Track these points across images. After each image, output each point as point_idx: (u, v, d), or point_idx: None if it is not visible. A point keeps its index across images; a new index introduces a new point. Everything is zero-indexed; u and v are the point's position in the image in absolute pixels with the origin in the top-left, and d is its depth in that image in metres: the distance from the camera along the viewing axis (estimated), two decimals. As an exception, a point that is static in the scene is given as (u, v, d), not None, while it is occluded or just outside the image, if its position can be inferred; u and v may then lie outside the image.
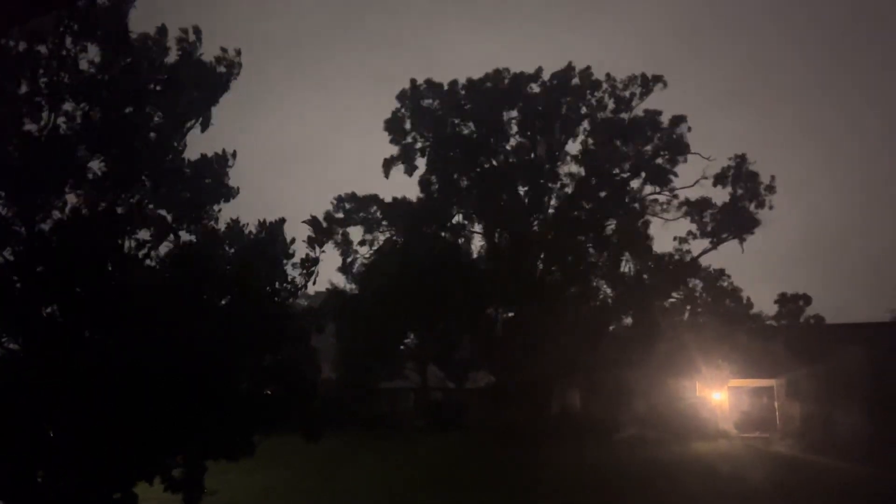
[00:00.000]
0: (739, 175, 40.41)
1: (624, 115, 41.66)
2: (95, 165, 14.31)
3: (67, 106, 13.25)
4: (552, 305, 40.43)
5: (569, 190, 42.77)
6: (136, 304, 13.68)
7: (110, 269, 14.77)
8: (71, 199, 14.69)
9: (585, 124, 42.10)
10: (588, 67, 41.37)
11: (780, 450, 33.68)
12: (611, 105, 41.84)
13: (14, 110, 12.09)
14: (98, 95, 13.53)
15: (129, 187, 14.45)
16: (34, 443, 13.38)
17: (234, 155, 14.85)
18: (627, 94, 41.51)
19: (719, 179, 40.50)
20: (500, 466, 30.84)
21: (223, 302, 14.98)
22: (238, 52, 14.76)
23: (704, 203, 40.72)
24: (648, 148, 41.42)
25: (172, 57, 14.12)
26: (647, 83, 41.25)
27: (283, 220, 13.78)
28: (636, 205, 41.76)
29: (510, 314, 43.03)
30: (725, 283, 41.42)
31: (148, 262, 14.85)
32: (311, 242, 14.29)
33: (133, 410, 12.90)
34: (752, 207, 40.37)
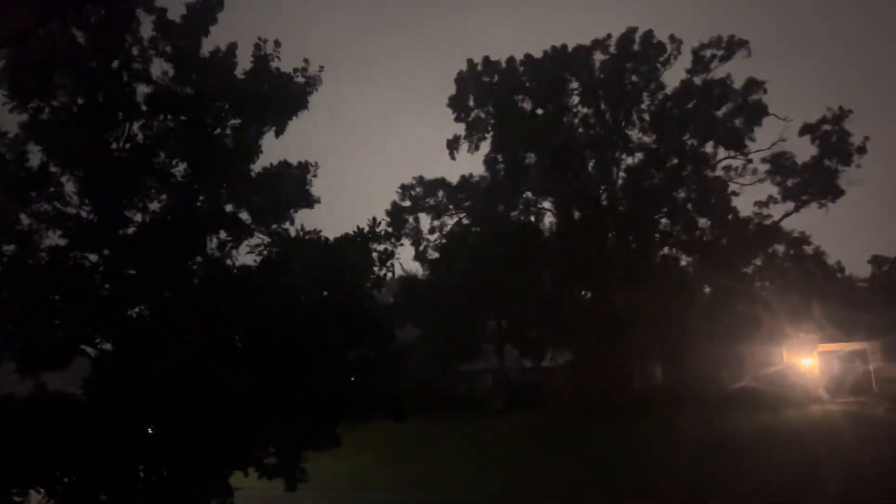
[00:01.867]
0: (828, 133, 38.56)
1: (697, 79, 40.26)
2: (176, 171, 14.77)
3: (143, 116, 13.71)
4: (628, 279, 39.73)
5: (638, 159, 41.85)
6: (222, 301, 14.13)
7: (194, 268, 15.29)
8: (153, 204, 15.27)
9: (652, 92, 40.93)
10: (650, 31, 40.13)
11: (879, 414, 32.26)
12: (683, 69, 40.55)
13: (93, 121, 12.61)
14: (172, 104, 13.93)
15: (209, 191, 14.84)
16: (133, 439, 14.00)
17: (316, 165, 15.11)
18: (708, 54, 40.01)
19: (809, 130, 38.63)
20: (582, 443, 30.65)
21: (303, 298, 15.30)
22: (321, 69, 14.83)
23: (785, 165, 39.11)
24: (722, 111, 40.04)
25: (247, 66, 14.38)
26: (732, 47, 39.64)
27: (367, 227, 13.97)
28: (710, 171, 40.51)
29: (586, 289, 42.48)
30: (810, 247, 39.88)
31: (229, 262, 15.28)
32: (385, 237, 14.48)
33: (226, 404, 13.35)
34: (838, 168, 38.55)
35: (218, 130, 14.13)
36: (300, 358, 13.92)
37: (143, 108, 13.61)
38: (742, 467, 22.79)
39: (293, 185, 14.56)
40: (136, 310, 14.91)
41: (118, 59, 12.95)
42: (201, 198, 14.68)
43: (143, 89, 13.46)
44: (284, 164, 14.54)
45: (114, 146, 13.61)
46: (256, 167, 14.75)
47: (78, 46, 12.62)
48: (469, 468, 29.34)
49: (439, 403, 40.27)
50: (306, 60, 14.03)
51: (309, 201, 14.81)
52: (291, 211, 15.30)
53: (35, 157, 13.27)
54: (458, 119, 41.87)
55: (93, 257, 14.96)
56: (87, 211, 14.64)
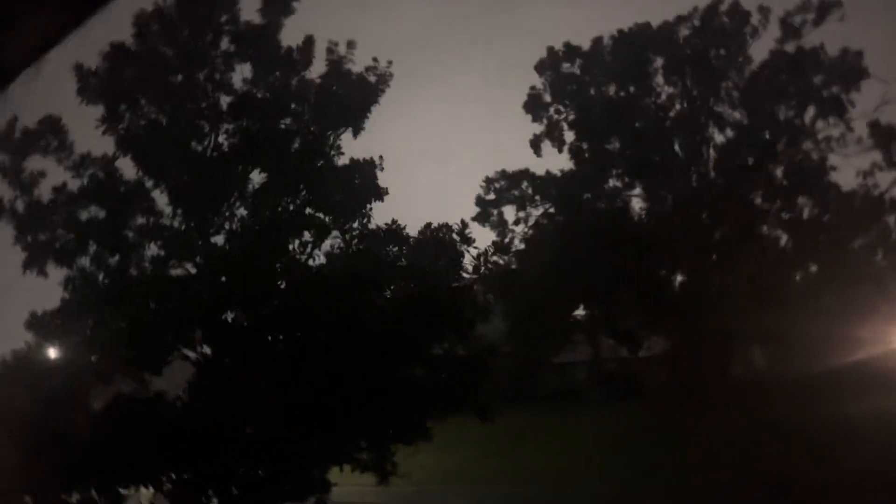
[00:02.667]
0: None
1: (788, 47, 38.32)
2: (256, 176, 15.31)
3: (227, 124, 14.27)
4: (725, 262, 38.32)
5: (730, 136, 40.20)
6: (309, 302, 14.52)
7: (280, 270, 15.78)
8: (239, 210, 15.86)
9: (741, 64, 39.21)
10: (736, 1, 38.39)
11: None
12: (772, 39, 38.64)
13: (180, 133, 13.22)
14: (253, 111, 14.42)
15: (289, 194, 15.30)
16: (234, 438, 14.60)
17: (381, 158, 15.36)
18: (797, 20, 38.05)
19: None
20: (685, 436, 29.76)
21: (390, 293, 15.52)
22: (389, 63, 15.05)
23: (889, 128, 36.64)
24: (818, 79, 37.93)
25: (321, 67, 14.74)
26: (823, 10, 37.54)
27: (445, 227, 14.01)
28: (808, 143, 38.45)
29: (680, 274, 41.27)
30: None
31: (311, 262, 15.70)
32: (464, 241, 14.46)
33: (317, 400, 13.71)
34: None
35: (297, 134, 14.56)
36: (385, 353, 14.15)
37: (227, 116, 14.19)
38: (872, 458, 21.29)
39: (363, 181, 14.78)
40: (231, 314, 15.57)
41: (203, 71, 13.56)
42: (284, 200, 15.16)
43: (225, 98, 14.04)
44: (354, 162, 14.79)
45: (201, 155, 14.23)
46: (331, 164, 15.09)
47: (164, 61, 13.28)
48: (566, 463, 29.01)
49: (533, 397, 40.02)
50: (376, 59, 14.24)
51: (379, 194, 15.03)
52: (366, 207, 15.56)
53: (128, 171, 14.10)
54: (535, 119, 41.42)
55: (188, 266, 15.72)
56: (180, 221, 15.37)
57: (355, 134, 15.19)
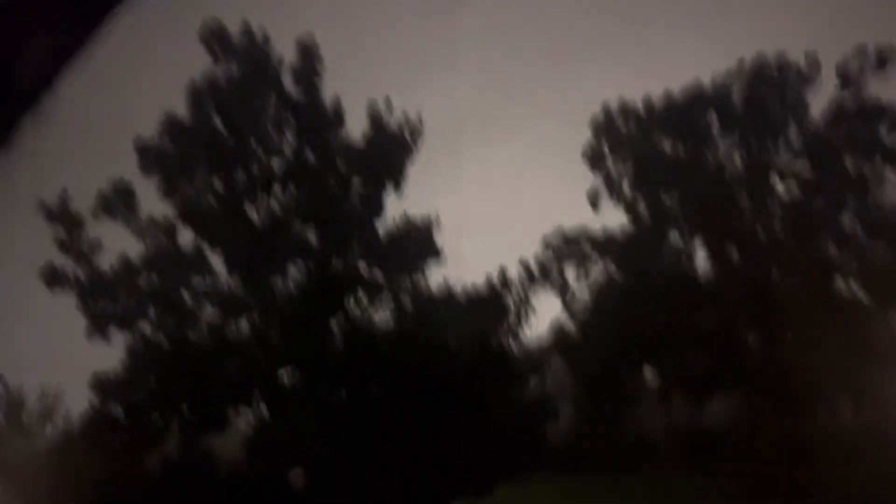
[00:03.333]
0: None
1: (846, 95, 37.65)
2: (311, 237, 15.80)
3: (278, 188, 14.92)
4: (798, 314, 36.92)
5: (794, 188, 39.39)
6: (365, 359, 14.71)
7: (335, 329, 16.10)
8: (293, 270, 16.35)
9: (800, 115, 38.65)
10: (783, 52, 38.16)
11: None
12: (830, 87, 38.03)
13: (234, 198, 13.89)
14: (303, 174, 15.04)
15: (343, 253, 15.73)
16: (288, 495, 14.68)
17: (437, 219, 15.72)
18: (853, 67, 37.44)
19: None
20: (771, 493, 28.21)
21: (441, 349, 15.58)
22: (419, 118, 15.62)
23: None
24: (883, 126, 37.01)
25: (364, 126, 15.35)
26: (882, 59, 36.89)
27: (500, 279, 14.09)
28: (877, 192, 37.24)
29: (751, 329, 39.89)
30: None
31: (369, 318, 15.97)
32: (523, 287, 14.48)
33: (375, 454, 13.73)
34: None
35: (346, 193, 15.06)
36: (441, 408, 14.14)
37: (278, 180, 14.83)
38: None
39: (418, 240, 15.11)
40: (286, 371, 15.89)
41: (254, 136, 14.31)
42: (335, 260, 15.57)
43: (276, 163, 14.68)
44: (408, 220, 15.17)
45: (254, 219, 14.86)
46: (383, 223, 15.52)
47: (216, 131, 14.09)
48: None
49: (599, 456, 38.73)
50: (407, 114, 14.70)
51: (436, 254, 15.30)
52: (421, 265, 15.85)
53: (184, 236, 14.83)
54: (594, 169, 41.53)
55: (245, 327, 16.20)
56: (236, 284, 15.94)
57: (397, 189, 15.61)
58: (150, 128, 14.23)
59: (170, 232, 14.80)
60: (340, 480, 13.84)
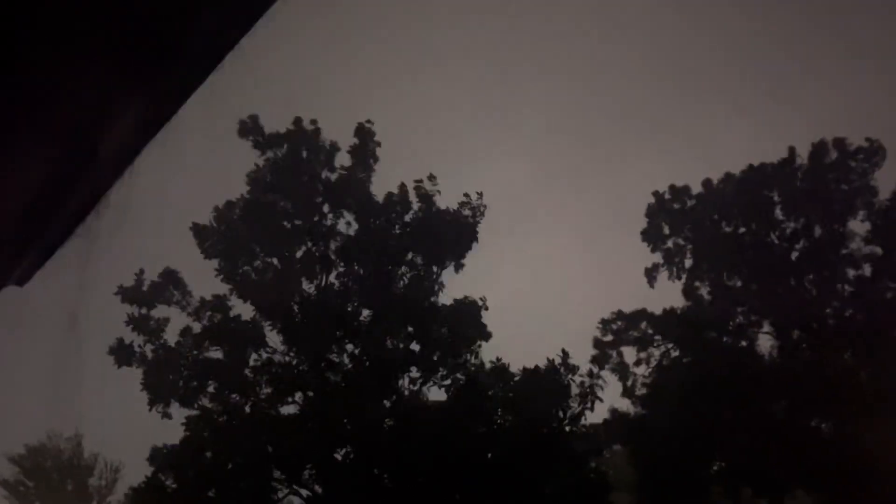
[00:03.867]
0: None
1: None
2: (366, 317, 15.97)
3: (336, 268, 15.24)
4: (876, 404, 35.03)
5: (865, 272, 38.24)
6: (419, 439, 14.54)
7: (388, 406, 16.00)
8: (349, 347, 16.48)
9: (865, 198, 37.92)
10: (844, 138, 37.86)
11: None
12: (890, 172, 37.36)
13: (293, 277, 14.23)
14: (360, 253, 15.34)
15: (396, 332, 15.82)
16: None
17: (483, 299, 15.84)
18: None
19: None
20: None
21: (495, 429, 15.31)
22: (480, 195, 15.92)
23: None
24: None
25: (415, 206, 15.68)
26: None
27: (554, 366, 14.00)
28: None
29: (824, 419, 37.98)
30: None
31: (421, 396, 15.88)
32: (587, 375, 14.28)
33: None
34: None
35: (400, 273, 15.27)
36: (495, 488, 13.78)
37: (336, 259, 15.15)
38: None
39: (469, 320, 15.11)
40: (341, 451, 15.79)
41: (315, 216, 14.71)
42: (392, 339, 15.64)
43: (335, 243, 15.05)
44: (459, 301, 15.22)
45: (312, 296, 15.12)
46: (437, 302, 15.59)
47: (275, 210, 14.59)
48: None
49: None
50: (466, 194, 14.99)
51: (485, 334, 15.26)
52: (473, 345, 15.79)
53: (245, 313, 15.21)
54: (654, 248, 41.24)
55: (300, 402, 16.26)
56: (293, 359, 16.13)
57: (457, 269, 15.75)
58: (216, 208, 14.93)
59: (225, 309, 15.17)
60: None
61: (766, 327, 39.58)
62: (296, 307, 14.93)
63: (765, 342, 39.88)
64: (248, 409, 14.85)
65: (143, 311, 15.49)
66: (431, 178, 15.51)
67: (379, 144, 15.12)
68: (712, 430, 37.52)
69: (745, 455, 39.89)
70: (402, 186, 15.76)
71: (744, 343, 39.37)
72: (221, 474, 14.30)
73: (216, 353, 15.39)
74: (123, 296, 15.64)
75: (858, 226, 38.71)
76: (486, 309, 16.03)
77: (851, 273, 38.42)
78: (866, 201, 38.17)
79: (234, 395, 15.05)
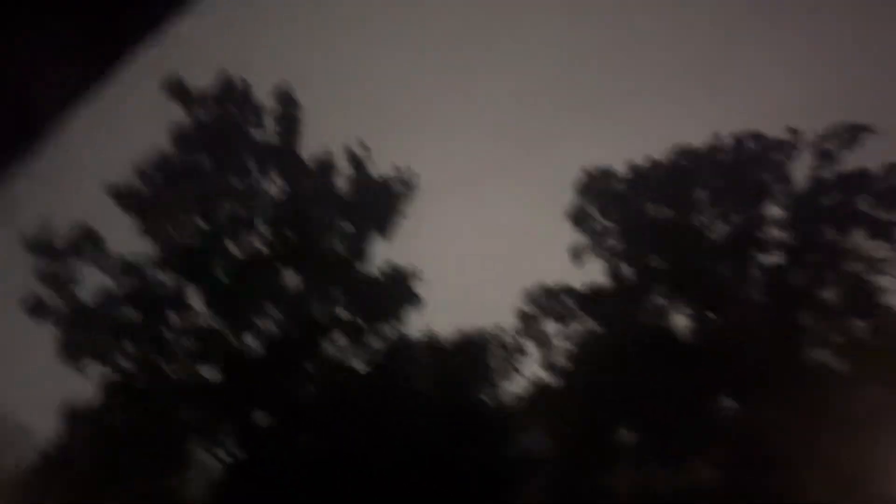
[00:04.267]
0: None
1: (828, 171, 38.61)
2: (292, 280, 15.84)
3: (264, 229, 15.03)
4: (777, 385, 37.05)
5: (778, 258, 40.02)
6: (342, 405, 14.63)
7: (312, 372, 16.02)
8: (274, 313, 16.34)
9: (782, 188, 39.59)
10: (760, 134, 39.36)
11: None
12: (811, 161, 39.08)
13: (218, 239, 13.93)
14: (288, 217, 15.17)
15: (324, 297, 15.77)
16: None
17: (420, 271, 15.92)
18: (830, 147, 38.56)
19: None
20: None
21: (419, 400, 15.53)
22: (411, 171, 15.90)
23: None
24: (863, 201, 37.85)
25: (353, 174, 15.56)
26: (854, 133, 38.04)
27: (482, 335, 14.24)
28: (857, 265, 37.87)
29: (729, 396, 39.96)
30: None
31: (347, 364, 15.93)
32: (505, 346, 14.63)
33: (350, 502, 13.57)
34: None
35: (331, 240, 15.17)
36: (418, 461, 14.03)
37: (263, 222, 14.96)
38: None
39: (400, 288, 15.20)
40: (261, 415, 15.74)
41: (242, 177, 14.44)
42: (317, 304, 15.58)
43: (260, 203, 14.80)
44: (392, 268, 15.30)
45: (237, 259, 14.88)
46: (367, 270, 15.61)
47: (200, 170, 14.20)
48: None
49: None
50: (400, 168, 14.98)
51: (415, 302, 15.41)
52: (401, 312, 15.91)
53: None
54: (579, 228, 42.12)
55: (221, 365, 16.09)
56: (216, 323, 15.89)
57: (385, 238, 15.76)
58: (139, 167, 14.44)
59: (147, 269, 14.79)
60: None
61: (683, 307, 41.07)
62: (220, 270, 14.67)
63: (681, 321, 41.46)
64: (166, 371, 14.58)
65: (56, 265, 14.95)
66: (364, 147, 15.39)
67: (310, 108, 14.98)
68: (625, 401, 39.00)
69: (653, 427, 41.73)
70: (334, 151, 15.58)
71: (661, 321, 40.79)
72: (137, 436, 14.08)
73: (135, 314, 15.01)
74: (31, 247, 15.03)
75: (774, 213, 40.32)
76: (420, 280, 16.10)
77: (765, 259, 40.08)
78: (783, 190, 39.73)
79: (151, 357, 14.75)
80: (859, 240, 38.33)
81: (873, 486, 35.58)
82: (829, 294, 38.70)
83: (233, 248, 14.91)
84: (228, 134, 13.93)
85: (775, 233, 40.27)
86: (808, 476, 39.26)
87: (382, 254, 16.47)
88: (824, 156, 38.54)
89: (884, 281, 37.59)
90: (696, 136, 42.33)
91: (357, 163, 14.83)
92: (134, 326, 14.87)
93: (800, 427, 34.28)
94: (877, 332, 37.29)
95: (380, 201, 15.18)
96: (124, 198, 13.55)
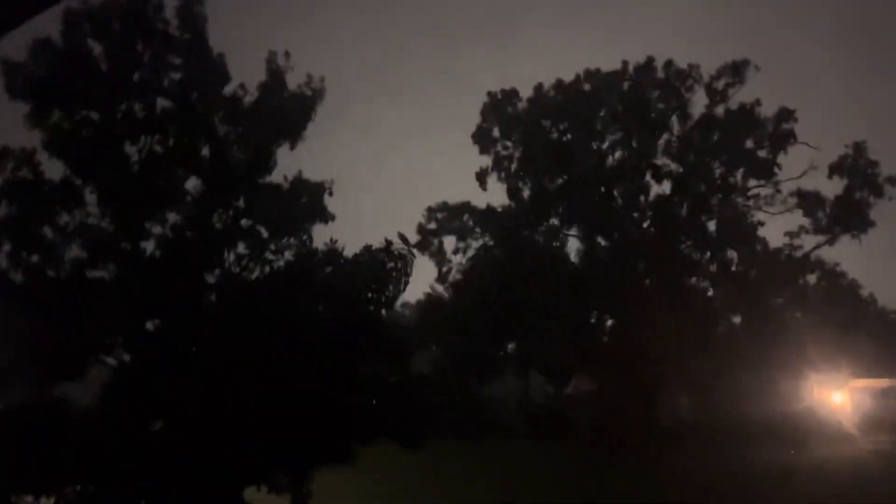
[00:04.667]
0: (856, 164, 38.00)
1: (720, 108, 39.99)
2: (192, 185, 15.01)
3: (162, 130, 14.05)
4: (654, 308, 39.17)
5: (665, 188, 41.50)
6: (235, 316, 14.21)
7: (212, 283, 15.45)
8: (172, 217, 15.51)
9: (677, 119, 40.74)
10: (670, 61, 40.13)
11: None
12: (704, 98, 40.36)
13: (114, 135, 12.91)
14: (191, 118, 14.21)
15: (226, 205, 15.04)
16: (146, 450, 14.05)
17: (332, 183, 15.34)
18: (721, 85, 39.76)
19: (835, 170, 38.20)
20: (607, 478, 30.08)
21: (319, 313, 15.34)
22: (322, 79, 15.15)
23: (815, 196, 38.56)
24: (749, 140, 39.62)
25: (262, 76, 14.70)
26: (738, 71, 39.34)
27: (388, 243, 14.05)
28: (739, 200, 40.05)
29: (611, 316, 42.05)
30: (844, 278, 39.14)
31: (247, 275, 15.45)
32: (401, 257, 14.54)
33: (238, 418, 13.35)
34: (870, 199, 37.92)
35: (237, 145, 14.39)
36: (313, 374, 13.93)
37: (164, 121, 13.94)
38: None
39: (309, 201, 14.73)
40: (154, 322, 15.11)
41: (138, 72, 13.27)
42: (218, 212, 14.87)
43: (162, 103, 13.77)
44: (300, 180, 14.77)
45: (134, 159, 13.89)
46: (273, 180, 15.01)
47: (96, 60, 12.95)
48: (491, 498, 28.89)
49: (460, 427, 39.84)
50: (310, 75, 14.31)
51: (324, 217, 15.01)
52: (307, 226, 15.46)
53: (55, 169, 13.65)
54: (483, 150, 42.19)
55: (112, 270, 15.22)
56: (108, 223, 14.92)
57: (292, 147, 15.11)
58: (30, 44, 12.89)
59: (30, 161, 13.57)
60: (202, 437, 13.41)
61: (575, 232, 42.31)
62: (114, 169, 13.68)
63: (573, 245, 42.81)
64: (51, 272, 13.66)
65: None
66: (288, 55, 14.52)
67: (218, 6, 13.87)
68: (514, 320, 40.39)
69: (539, 343, 43.62)
70: (237, 52, 14.61)
71: (554, 244, 41.90)
72: (19, 339, 13.25)
73: (15, 209, 13.85)
74: None
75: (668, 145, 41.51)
76: (331, 194, 15.62)
77: (655, 189, 41.52)
78: (680, 121, 40.84)
79: (33, 257, 13.76)
80: (742, 176, 40.28)
81: (734, 406, 38.93)
82: (709, 225, 40.67)
83: (129, 148, 13.87)
84: (127, 24, 12.71)
85: (667, 162, 41.48)
86: (678, 394, 42.51)
87: (290, 164, 15.83)
88: (717, 92, 39.74)
89: (760, 216, 39.92)
90: (604, 63, 42.70)
91: (269, 70, 13.96)
92: (12, 224, 13.75)
93: (674, 347, 36.60)
94: (749, 264, 39.87)
95: (289, 108, 14.45)
96: (16, 77, 12.21)
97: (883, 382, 37.76)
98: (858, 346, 35.99)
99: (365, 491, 28.79)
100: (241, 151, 15.00)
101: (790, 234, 39.47)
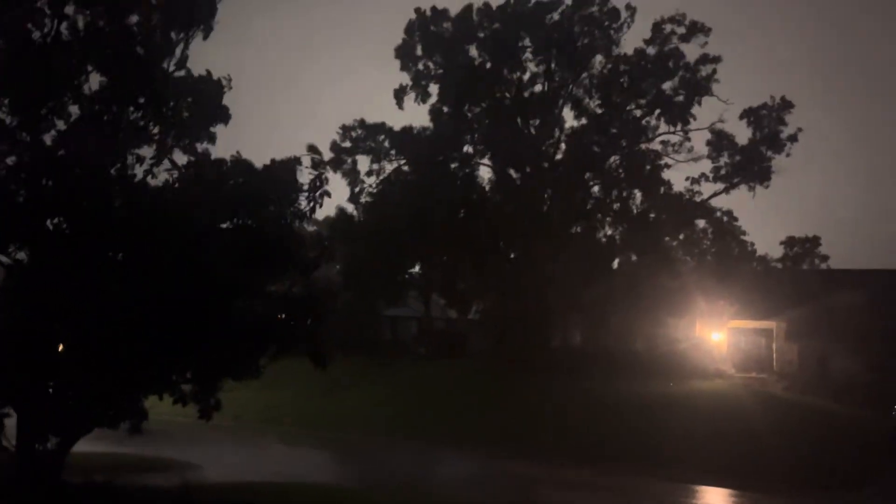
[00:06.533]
0: (765, 119, 39.61)
1: (651, 49, 40.23)
2: (95, 80, 14.01)
3: (70, 11, 12.96)
4: (558, 240, 40.26)
5: (582, 123, 41.92)
6: (141, 219, 13.63)
7: (115, 185, 14.71)
8: (73, 110, 14.53)
9: (602, 57, 40.97)
10: (606, -1, 40.02)
11: (774, 391, 34.06)
12: (639, 39, 40.47)
13: (17, 15, 11.83)
14: (100, 3, 13.18)
15: (129, 101, 14.15)
16: (44, 354, 13.55)
17: (229, 78, 14.61)
18: (668, 29, 39.85)
19: (748, 115, 39.61)
20: (501, 394, 31.44)
21: (229, 224, 14.93)
22: None
23: (721, 145, 40.06)
24: (668, 86, 40.34)
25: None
26: (693, 30, 39.55)
27: (296, 159, 13.65)
28: (649, 143, 41.15)
29: (515, 246, 42.93)
30: (733, 226, 41.23)
31: (150, 178, 14.77)
32: (315, 167, 14.24)
33: (141, 325, 12.99)
34: (769, 154, 39.78)
35: (143, 35, 13.43)
36: (220, 284, 13.65)
37: (71, 4, 12.89)
38: (630, 431, 24.48)
39: (208, 99, 14.02)
40: (54, 221, 14.30)
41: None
42: (124, 108, 13.97)
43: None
44: (200, 78, 14.02)
45: (38, 41, 12.79)
46: (180, 78, 14.23)
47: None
48: (387, 410, 29.73)
49: (363, 345, 40.48)
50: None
51: (224, 117, 14.38)
52: (210, 128, 14.77)
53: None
54: (404, 68, 41.24)
55: (12, 160, 14.21)
56: (6, 112, 13.83)
57: (205, 36, 14.34)
58: None
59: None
60: (102, 342, 13.08)
61: (488, 160, 42.47)
62: (11, 54, 12.65)
63: (485, 173, 43.05)
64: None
65: None
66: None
67: None
68: (420, 243, 40.72)
69: (444, 268, 44.33)
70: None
71: (466, 170, 41.98)
72: None
73: None
74: None
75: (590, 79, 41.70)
76: (230, 89, 15.00)
77: (571, 123, 41.96)
78: (603, 59, 41.00)
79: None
80: (655, 120, 41.23)
81: (624, 341, 41.04)
82: (618, 163, 41.64)
83: (32, 29, 12.81)
84: None
85: (586, 97, 41.78)
86: (573, 326, 44.34)
87: (194, 58, 15.03)
88: (657, 36, 39.99)
89: (668, 160, 41.24)
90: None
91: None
92: None
93: (572, 281, 37.92)
94: (651, 205, 41.33)
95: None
96: None
97: (756, 324, 40.59)
98: (738, 291, 38.45)
99: (268, 403, 28.98)
100: (151, 44, 14.13)
101: (692, 180, 41.08)
